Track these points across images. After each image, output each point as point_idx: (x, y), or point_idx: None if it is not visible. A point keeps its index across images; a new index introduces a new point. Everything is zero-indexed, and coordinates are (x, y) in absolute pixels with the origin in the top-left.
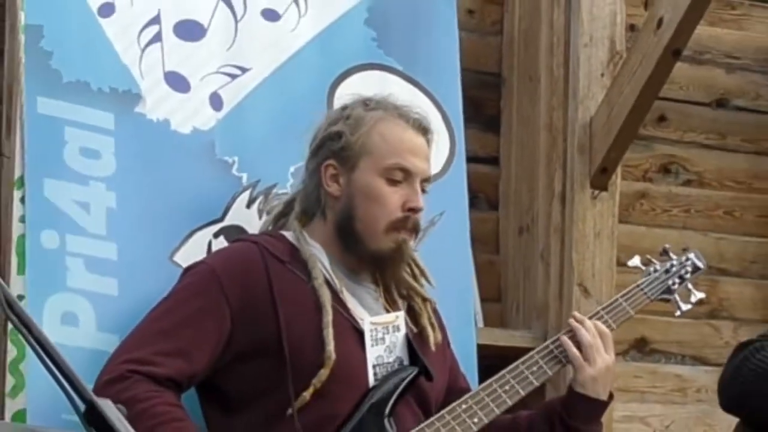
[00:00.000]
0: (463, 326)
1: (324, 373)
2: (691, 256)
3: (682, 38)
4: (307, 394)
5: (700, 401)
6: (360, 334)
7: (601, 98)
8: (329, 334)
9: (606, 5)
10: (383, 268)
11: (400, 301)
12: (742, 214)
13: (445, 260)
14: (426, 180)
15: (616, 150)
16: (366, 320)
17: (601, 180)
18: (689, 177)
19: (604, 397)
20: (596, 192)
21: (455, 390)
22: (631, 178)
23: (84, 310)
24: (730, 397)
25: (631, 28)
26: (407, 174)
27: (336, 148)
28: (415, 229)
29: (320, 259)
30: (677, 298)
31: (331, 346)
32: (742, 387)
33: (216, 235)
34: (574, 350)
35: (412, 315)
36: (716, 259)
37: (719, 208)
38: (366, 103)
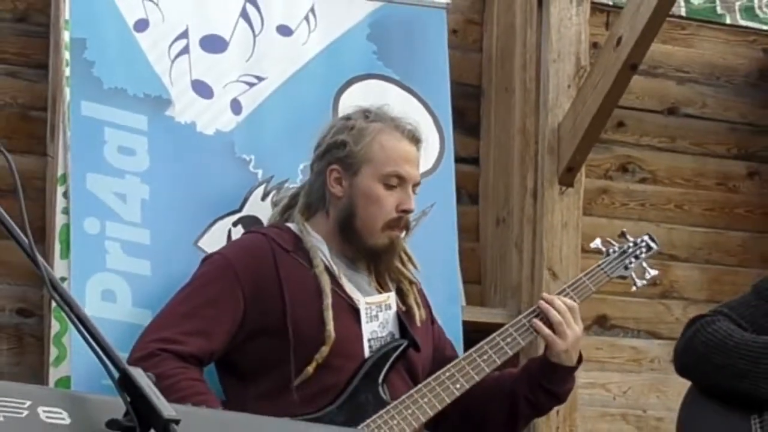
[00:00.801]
0: (449, 304)
1: (325, 350)
2: (646, 237)
3: (638, 54)
4: (310, 368)
5: (653, 370)
6: (356, 312)
7: (567, 107)
8: (329, 315)
9: (572, 26)
10: (378, 260)
11: (390, 284)
12: (690, 207)
13: (434, 246)
14: (416, 184)
15: (580, 152)
16: (361, 300)
17: (567, 178)
18: (644, 175)
19: (574, 362)
20: (563, 188)
21: (443, 357)
22: (594, 176)
23: (121, 288)
24: (683, 365)
25: (594, 45)
26: (402, 180)
27: (341, 155)
28: (406, 227)
29: (321, 248)
30: (633, 275)
31: (330, 326)
32: (693, 356)
33: (235, 224)
34: (547, 330)
35: (401, 295)
36: (667, 246)
37: (670, 203)
38: (366, 115)
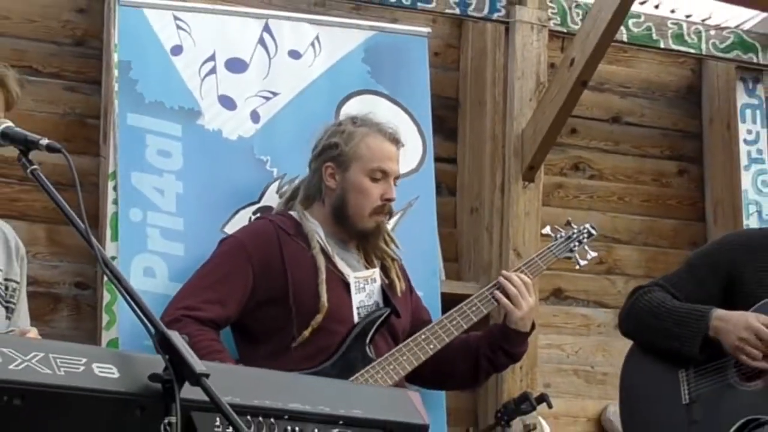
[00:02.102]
0: (431, 279)
1: (319, 317)
2: (587, 225)
3: (588, 73)
4: (306, 332)
5: (600, 334)
6: (347, 285)
7: (529, 116)
8: (323, 289)
9: (533, 49)
10: (366, 241)
11: (375, 261)
12: (631, 199)
13: (417, 232)
14: (397, 177)
15: (540, 153)
16: (350, 275)
17: (529, 175)
18: (593, 173)
19: (528, 328)
20: (526, 183)
21: (419, 321)
22: (551, 174)
23: (159, 266)
24: (626, 328)
25: (552, 65)
26: (385, 174)
27: (334, 154)
28: (389, 213)
29: (317, 232)
30: (576, 256)
31: (324, 297)
32: (634, 320)
33: (254, 213)
34: (506, 300)
35: (384, 271)
36: (612, 231)
37: (614, 195)
38: (354, 121)
